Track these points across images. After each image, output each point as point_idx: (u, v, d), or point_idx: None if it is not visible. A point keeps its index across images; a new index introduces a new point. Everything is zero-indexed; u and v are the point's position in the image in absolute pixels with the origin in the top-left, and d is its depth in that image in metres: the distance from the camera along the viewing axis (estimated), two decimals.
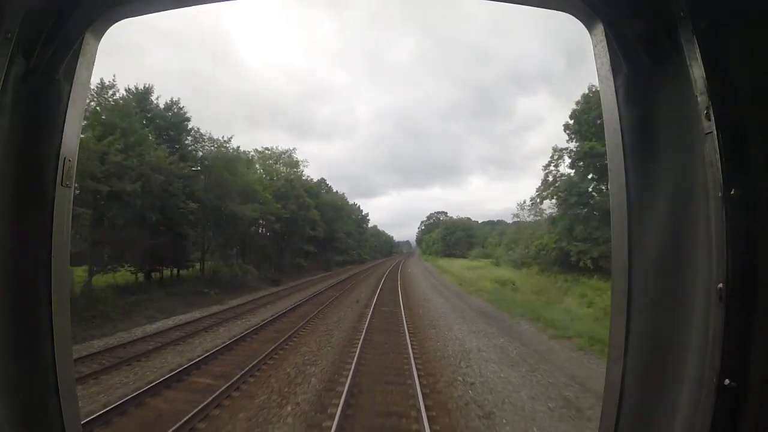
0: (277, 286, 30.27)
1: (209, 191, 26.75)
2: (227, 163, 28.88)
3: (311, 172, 70.15)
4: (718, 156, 0.89)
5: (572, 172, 28.54)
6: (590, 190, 27.42)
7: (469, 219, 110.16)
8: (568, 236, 26.72)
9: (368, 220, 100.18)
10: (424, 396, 7.76)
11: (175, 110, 28.03)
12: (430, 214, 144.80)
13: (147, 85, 26.69)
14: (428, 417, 6.75)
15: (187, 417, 6.64)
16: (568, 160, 28.81)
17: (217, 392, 7.74)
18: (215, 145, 30.00)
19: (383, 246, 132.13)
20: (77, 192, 17.04)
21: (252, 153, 40.84)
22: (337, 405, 7.20)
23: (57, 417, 1.20)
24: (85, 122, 19.62)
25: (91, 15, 1.25)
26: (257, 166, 41.33)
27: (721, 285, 0.88)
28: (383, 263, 77.52)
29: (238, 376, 8.76)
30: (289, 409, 7.40)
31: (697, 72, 0.94)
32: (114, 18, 1.33)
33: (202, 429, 6.66)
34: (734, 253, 0.87)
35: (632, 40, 1.11)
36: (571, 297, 18.55)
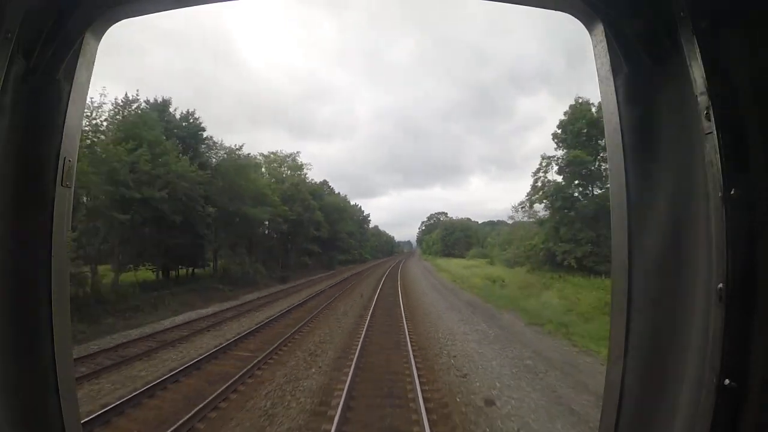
0: (286, 284, 32.59)
1: (223, 195, 29.04)
2: (239, 169, 31.23)
3: (312, 173, 72.19)
4: (718, 156, 0.90)
5: (560, 178, 30.79)
6: (575, 195, 29.74)
7: (468, 219, 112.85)
8: (555, 237, 29.02)
9: (369, 220, 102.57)
10: (417, 368, 9.91)
11: (191, 120, 30.42)
12: (431, 214, 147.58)
13: (165, 98, 29.10)
14: (419, 380, 8.96)
15: (238, 375, 8.93)
16: (556, 167, 31.07)
17: (258, 359, 10.06)
18: (227, 152, 32.39)
19: (384, 246, 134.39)
20: (115, 198, 19.26)
21: (258, 157, 43.40)
22: (348, 372, 9.48)
23: (57, 417, 1.21)
24: (119, 134, 21.92)
25: (91, 15, 1.26)
26: (263, 169, 43.75)
27: (721, 285, 0.88)
28: (384, 263, 79.95)
29: (271, 349, 11.08)
30: (313, 370, 9.73)
31: (697, 72, 0.95)
32: (114, 18, 1.34)
33: (250, 383, 8.93)
34: (734, 253, 0.87)
35: (632, 40, 1.12)
36: (551, 291, 20.92)
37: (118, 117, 24.42)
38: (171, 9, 1.42)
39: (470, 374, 9.62)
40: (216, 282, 27.73)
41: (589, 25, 1.25)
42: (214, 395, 7.69)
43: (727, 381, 0.86)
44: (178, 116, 29.98)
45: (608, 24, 1.16)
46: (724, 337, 0.87)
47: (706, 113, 0.92)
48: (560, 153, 30.99)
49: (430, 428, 6.50)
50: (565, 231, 27.95)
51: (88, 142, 19.46)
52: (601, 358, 10.53)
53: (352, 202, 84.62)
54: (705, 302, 0.94)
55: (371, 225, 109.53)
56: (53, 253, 1.20)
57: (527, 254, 33.15)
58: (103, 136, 21.25)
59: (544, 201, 30.99)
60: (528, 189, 33.20)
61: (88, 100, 20.04)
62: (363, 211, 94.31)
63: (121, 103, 25.11)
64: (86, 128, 19.87)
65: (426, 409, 7.14)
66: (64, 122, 1.24)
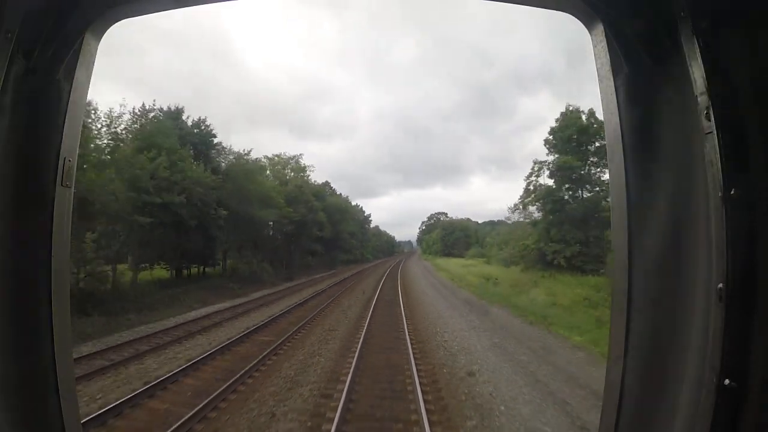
0: (291, 282, 34.36)
1: (232, 199, 30.77)
2: (247, 173, 33.01)
3: (314, 174, 73.75)
4: (718, 156, 0.90)
5: (551, 182, 32.47)
6: (566, 198, 31.47)
7: (468, 220, 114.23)
8: (546, 238, 30.71)
9: (370, 221, 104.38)
10: (414, 350, 11.63)
11: (203, 128, 32.19)
12: (431, 214, 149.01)
13: (179, 106, 30.87)
14: (414, 358, 10.67)
15: (260, 357, 10.65)
16: (547, 172, 32.77)
17: (276, 344, 11.80)
18: (236, 157, 34.19)
19: (385, 246, 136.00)
20: (137, 204, 21.02)
21: (263, 159, 45.19)
22: (352, 361, 11.20)
23: (57, 417, 1.21)
24: (137, 142, 23.62)
25: (91, 15, 1.26)
26: (268, 172, 45.49)
27: (721, 285, 0.88)
28: (384, 262, 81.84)
29: (287, 335, 12.83)
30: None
31: (698, 72, 0.95)
32: (114, 18, 1.34)
33: (270, 363, 10.64)
34: (734, 253, 0.87)
35: (632, 40, 1.12)
36: (538, 288, 22.68)
37: (135, 125, 26.21)
38: (170, 9, 1.44)
39: (457, 354, 11.34)
40: (226, 280, 29.45)
41: (589, 25, 1.26)
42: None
43: (727, 381, 0.87)
44: (189, 123, 31.75)
45: (608, 24, 1.18)
46: (724, 337, 0.88)
47: (706, 113, 0.93)
48: (551, 158, 32.68)
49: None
50: (556, 232, 29.65)
51: (109, 150, 21.13)
52: (570, 343, 12.28)
53: (353, 203, 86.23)
54: (705, 302, 0.94)
55: (372, 225, 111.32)
56: (53, 253, 1.21)
57: (521, 254, 34.76)
58: (122, 144, 22.92)
59: (536, 204, 32.70)
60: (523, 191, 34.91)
61: (107, 108, 21.54)
62: (364, 212, 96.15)
63: (139, 113, 26.95)
64: (109, 139, 21.66)
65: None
66: (64, 122, 1.24)
